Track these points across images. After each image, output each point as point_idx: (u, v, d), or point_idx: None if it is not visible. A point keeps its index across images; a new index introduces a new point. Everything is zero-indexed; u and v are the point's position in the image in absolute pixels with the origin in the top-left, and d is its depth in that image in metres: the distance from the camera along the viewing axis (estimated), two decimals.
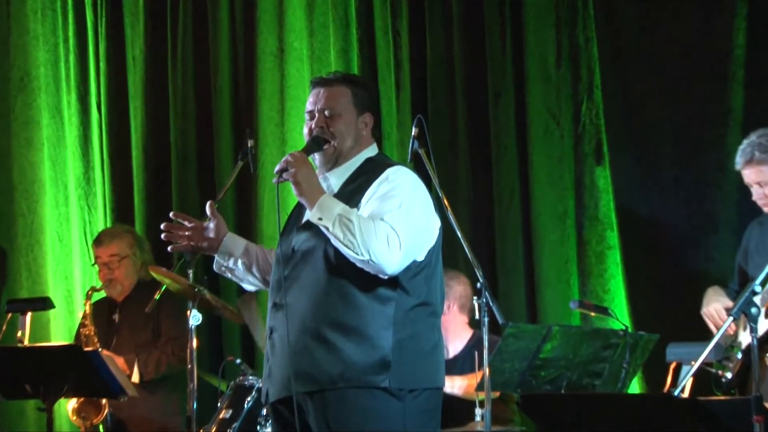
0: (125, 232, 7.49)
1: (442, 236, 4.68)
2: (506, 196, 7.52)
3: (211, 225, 4.84)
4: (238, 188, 8.05)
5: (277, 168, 4.56)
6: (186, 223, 4.86)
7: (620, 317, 6.51)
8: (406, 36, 7.75)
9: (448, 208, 5.01)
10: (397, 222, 4.43)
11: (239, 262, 4.90)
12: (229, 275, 4.98)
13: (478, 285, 5.11)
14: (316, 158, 4.73)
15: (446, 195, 5.09)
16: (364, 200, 4.54)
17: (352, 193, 4.61)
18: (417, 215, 4.53)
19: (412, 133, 5.02)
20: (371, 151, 4.77)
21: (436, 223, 4.64)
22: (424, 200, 4.59)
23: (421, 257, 4.55)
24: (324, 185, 4.65)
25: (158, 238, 5.03)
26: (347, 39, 7.87)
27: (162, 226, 4.87)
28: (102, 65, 8.38)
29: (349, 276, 4.48)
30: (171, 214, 4.92)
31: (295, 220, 4.76)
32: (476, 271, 5.06)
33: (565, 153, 7.45)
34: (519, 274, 7.48)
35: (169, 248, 4.87)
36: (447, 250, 4.89)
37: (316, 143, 4.68)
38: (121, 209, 8.28)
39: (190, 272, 5.23)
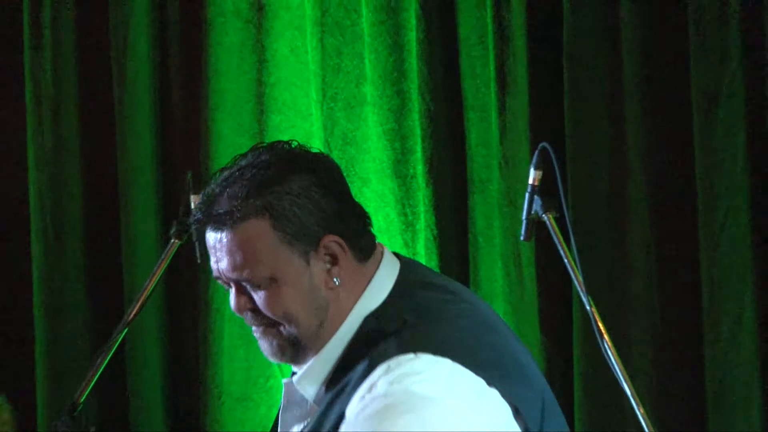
0: None
1: None
2: None
3: None
4: (173, 293, 4.48)
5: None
6: None
7: None
8: None
9: None
10: None
11: None
12: None
13: None
14: None
15: None
16: None
17: (328, 407, 2.44)
18: None
19: (530, 180, 3.02)
20: (373, 296, 2.47)
21: None
22: None
23: None
24: (299, 402, 2.55)
25: None
26: None
27: None
28: None
29: None
30: None
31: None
32: None
33: None
34: None
35: None
36: None
37: None
38: None
39: None
